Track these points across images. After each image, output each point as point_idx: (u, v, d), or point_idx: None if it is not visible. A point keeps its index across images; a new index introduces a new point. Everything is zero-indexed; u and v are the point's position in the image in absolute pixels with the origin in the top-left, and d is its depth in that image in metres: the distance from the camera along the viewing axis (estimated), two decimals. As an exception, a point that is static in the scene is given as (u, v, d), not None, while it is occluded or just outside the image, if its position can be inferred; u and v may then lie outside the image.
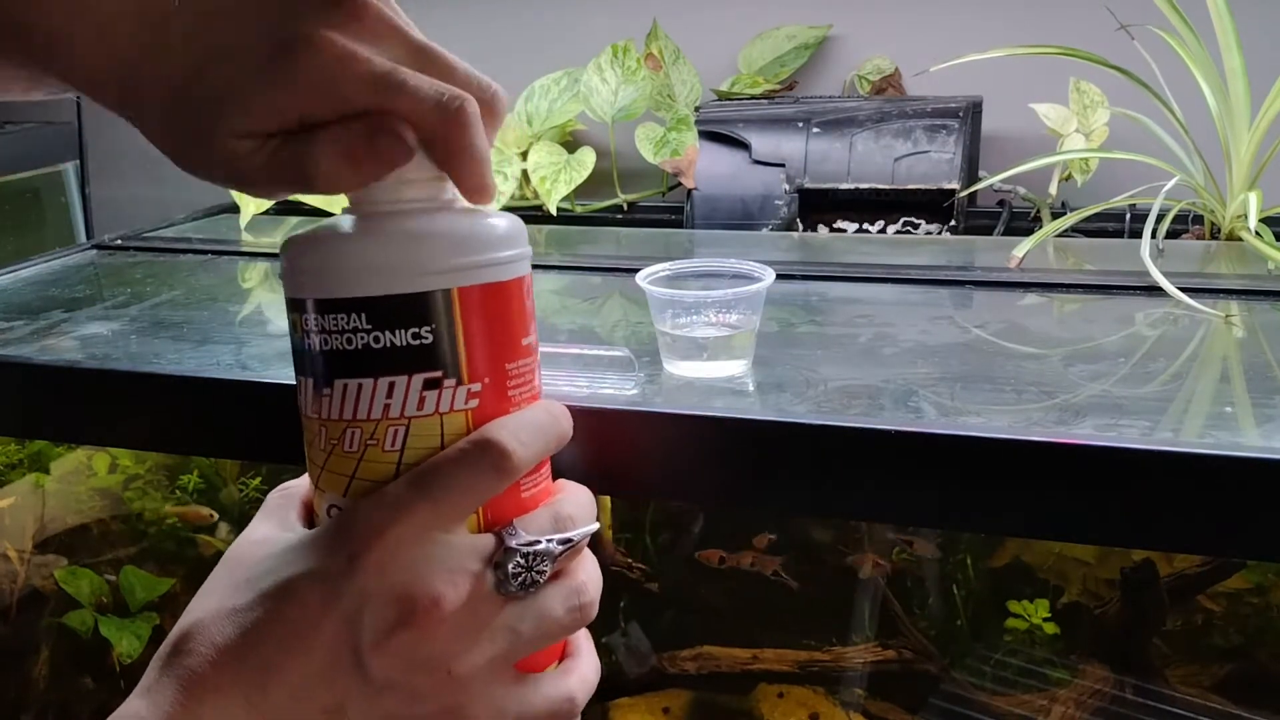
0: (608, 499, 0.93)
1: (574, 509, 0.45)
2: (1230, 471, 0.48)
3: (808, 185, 1.05)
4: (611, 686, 0.99)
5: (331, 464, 0.44)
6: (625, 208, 1.18)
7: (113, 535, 1.13)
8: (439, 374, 0.42)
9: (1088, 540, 0.57)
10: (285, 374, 0.65)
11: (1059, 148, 1.06)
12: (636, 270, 0.66)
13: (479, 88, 0.42)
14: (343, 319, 0.42)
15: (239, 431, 0.66)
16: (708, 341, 0.64)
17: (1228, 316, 0.73)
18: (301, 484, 0.48)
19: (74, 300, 0.88)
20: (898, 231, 1.03)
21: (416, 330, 0.42)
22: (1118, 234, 1.01)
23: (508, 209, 0.96)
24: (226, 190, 1.12)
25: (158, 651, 0.42)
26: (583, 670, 0.47)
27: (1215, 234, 0.95)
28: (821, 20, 1.24)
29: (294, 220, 1.17)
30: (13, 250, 1.41)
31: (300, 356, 0.44)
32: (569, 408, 0.47)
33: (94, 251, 1.05)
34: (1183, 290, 0.75)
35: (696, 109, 1.16)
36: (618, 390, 0.60)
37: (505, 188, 1.11)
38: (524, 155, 1.14)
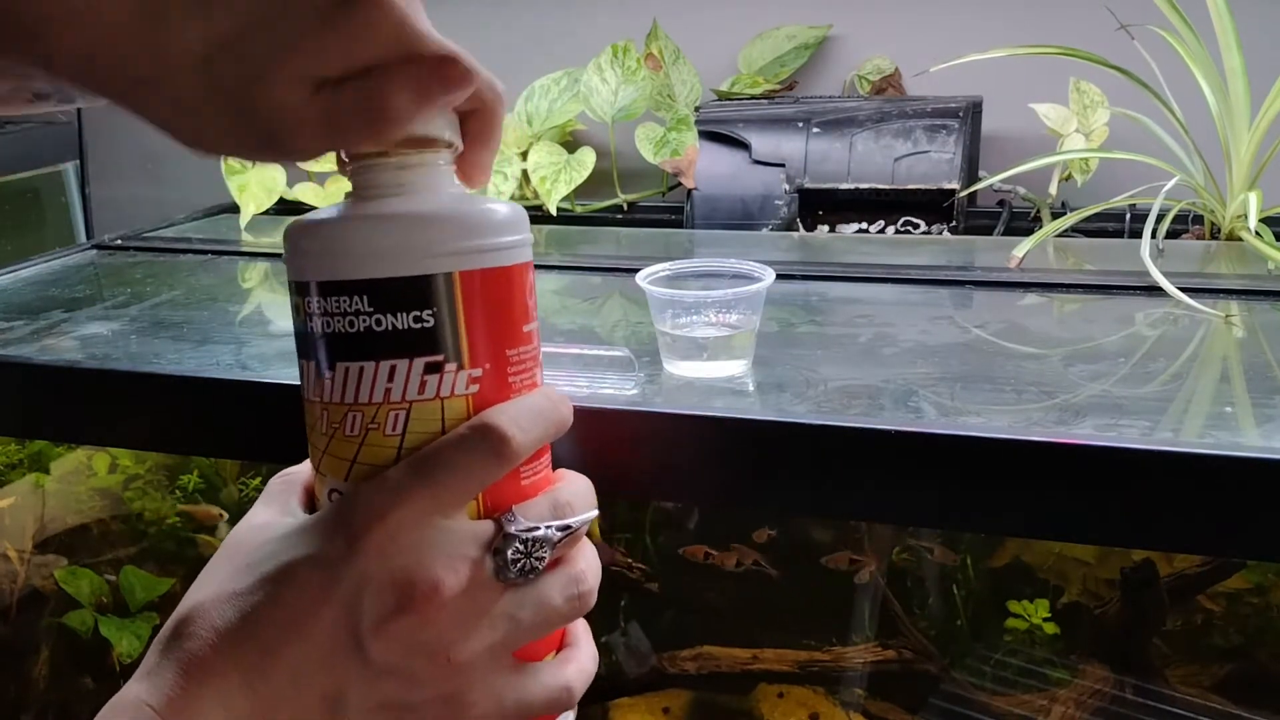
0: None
1: (573, 496, 0.45)
2: (1230, 471, 0.48)
3: (808, 185, 1.05)
4: (611, 686, 0.99)
5: (333, 448, 0.44)
6: (625, 208, 1.18)
7: (113, 535, 1.13)
8: (440, 358, 0.43)
9: (1088, 540, 0.57)
10: (285, 374, 0.65)
11: (1059, 148, 1.06)
12: (636, 270, 0.66)
13: (489, 84, 0.43)
14: (345, 301, 0.42)
15: (239, 431, 0.66)
16: (708, 341, 0.64)
17: (1228, 316, 0.73)
18: (303, 470, 0.48)
19: (74, 300, 0.88)
20: (898, 231, 1.03)
21: (418, 314, 0.42)
22: (1118, 234, 1.01)
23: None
24: (226, 190, 1.12)
25: (158, 635, 0.42)
26: (581, 660, 0.47)
27: (1215, 234, 0.95)
28: (821, 20, 1.24)
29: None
30: (13, 250, 1.41)
31: (303, 340, 0.45)
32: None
33: (94, 251, 1.05)
34: (1183, 290, 0.75)
35: (696, 109, 1.16)
36: (618, 390, 0.60)
37: (505, 188, 1.11)
38: (524, 155, 1.14)
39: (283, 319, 0.83)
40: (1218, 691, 0.88)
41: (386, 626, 0.40)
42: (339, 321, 0.43)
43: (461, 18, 1.33)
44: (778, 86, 1.24)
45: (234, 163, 1.12)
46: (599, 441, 0.53)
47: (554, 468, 0.48)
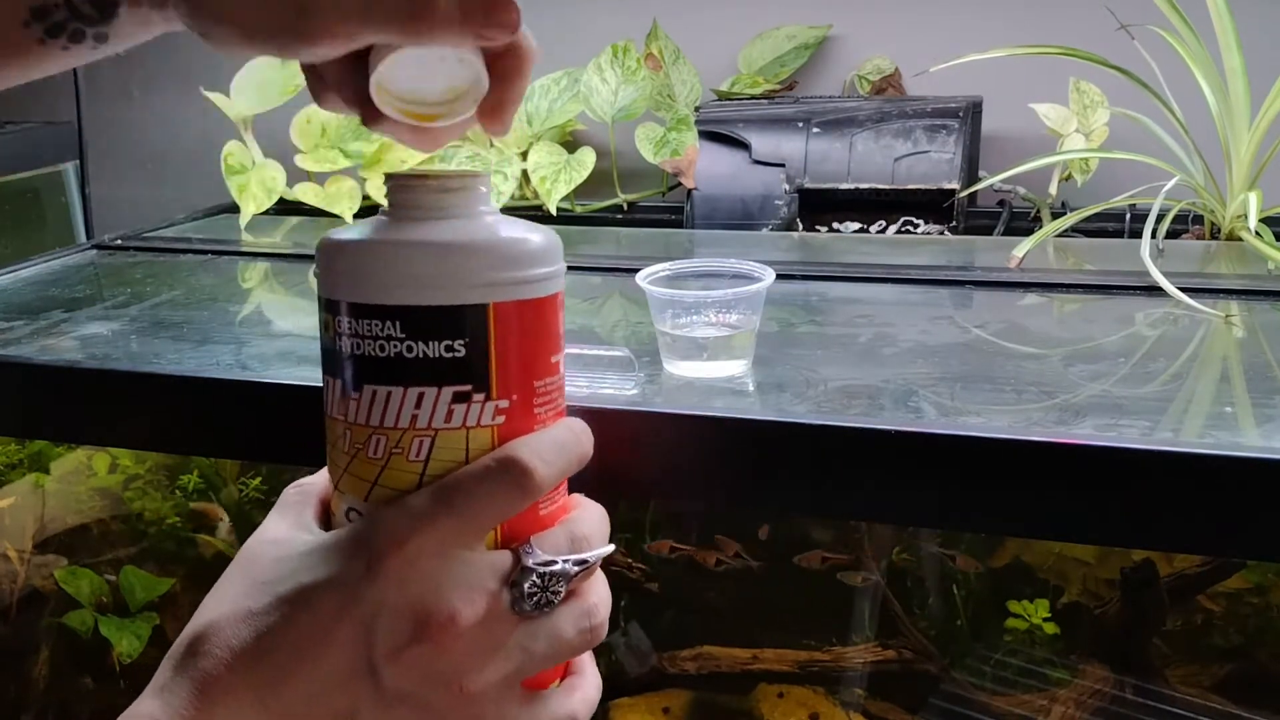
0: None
1: (589, 529, 0.45)
2: (1230, 471, 0.48)
3: (808, 185, 1.05)
4: (611, 686, 0.99)
5: (354, 468, 0.44)
6: (625, 208, 1.18)
7: (113, 535, 1.13)
8: (469, 388, 0.42)
9: (1088, 540, 0.57)
10: (285, 374, 0.65)
11: (1059, 148, 1.06)
12: (636, 270, 0.66)
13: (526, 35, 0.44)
14: (376, 325, 0.42)
15: (239, 431, 0.66)
16: (708, 341, 0.64)
17: (1228, 316, 0.73)
18: (318, 481, 0.48)
19: (74, 300, 0.88)
20: (898, 231, 1.03)
21: (450, 343, 0.42)
22: (1118, 234, 1.01)
23: (508, 209, 0.96)
24: (226, 190, 1.12)
25: (170, 650, 0.42)
26: (586, 689, 0.47)
27: (1215, 234, 0.95)
28: (821, 20, 1.24)
29: (294, 220, 1.17)
30: (13, 250, 1.41)
31: (329, 357, 0.44)
32: (569, 407, 0.47)
33: (94, 251, 1.05)
34: (1183, 290, 0.75)
35: (696, 109, 1.16)
36: (618, 390, 0.60)
37: (505, 188, 1.11)
38: (524, 155, 1.14)
39: (283, 319, 0.83)
40: (1218, 691, 0.88)
41: (401, 655, 0.40)
42: (369, 344, 0.42)
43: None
44: (778, 86, 1.24)
45: (234, 162, 1.12)
46: (599, 441, 0.53)
47: None
